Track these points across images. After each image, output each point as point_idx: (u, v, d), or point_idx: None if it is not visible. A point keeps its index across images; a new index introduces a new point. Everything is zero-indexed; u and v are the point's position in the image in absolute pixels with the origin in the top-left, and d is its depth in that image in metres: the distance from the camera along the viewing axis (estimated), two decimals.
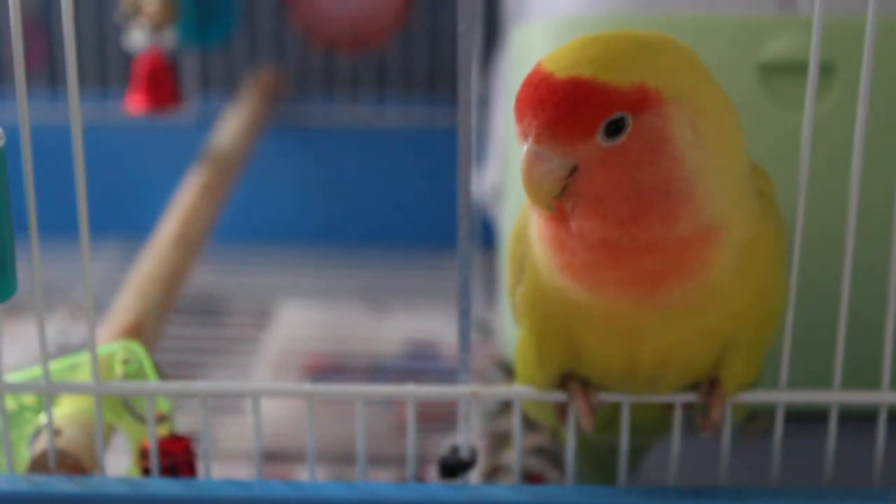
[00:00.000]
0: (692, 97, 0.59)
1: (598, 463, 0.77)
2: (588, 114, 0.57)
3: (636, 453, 0.76)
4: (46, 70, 1.39)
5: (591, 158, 0.58)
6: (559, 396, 0.68)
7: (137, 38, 1.11)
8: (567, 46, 0.59)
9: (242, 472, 0.92)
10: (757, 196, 0.63)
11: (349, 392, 0.69)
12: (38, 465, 0.68)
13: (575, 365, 0.66)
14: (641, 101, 0.58)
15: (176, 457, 0.69)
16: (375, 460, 0.91)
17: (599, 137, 0.58)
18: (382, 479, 0.87)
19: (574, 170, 0.58)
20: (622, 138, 0.58)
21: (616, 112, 0.58)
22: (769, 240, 0.64)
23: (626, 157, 0.58)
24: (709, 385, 0.67)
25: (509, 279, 0.67)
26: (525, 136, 0.58)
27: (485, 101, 1.17)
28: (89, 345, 0.67)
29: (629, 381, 0.66)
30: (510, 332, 0.94)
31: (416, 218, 1.35)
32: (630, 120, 0.58)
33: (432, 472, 0.88)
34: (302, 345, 1.13)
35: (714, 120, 0.60)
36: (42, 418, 0.70)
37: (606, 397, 0.67)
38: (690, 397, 0.67)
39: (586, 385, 0.67)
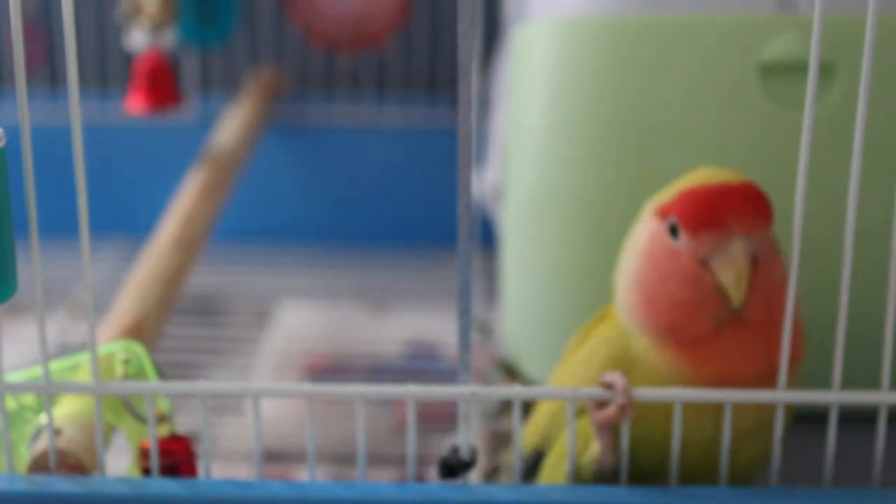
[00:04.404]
0: None
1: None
2: (769, 208, 0.66)
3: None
4: (46, 70, 1.39)
5: (765, 249, 0.66)
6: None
7: (137, 38, 1.11)
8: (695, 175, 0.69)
9: (242, 472, 0.92)
10: None
11: (349, 392, 0.69)
12: (38, 465, 0.68)
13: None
14: None
15: (176, 457, 0.69)
16: (375, 460, 0.91)
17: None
18: (382, 479, 0.87)
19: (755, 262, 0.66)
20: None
21: None
22: None
23: (770, 248, 0.67)
24: None
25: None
26: (728, 235, 0.65)
27: (485, 101, 1.17)
28: (89, 345, 0.67)
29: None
30: (510, 332, 0.94)
31: (416, 218, 1.35)
32: None
33: (432, 472, 0.88)
34: (302, 345, 1.13)
35: None
36: (42, 418, 0.70)
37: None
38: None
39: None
